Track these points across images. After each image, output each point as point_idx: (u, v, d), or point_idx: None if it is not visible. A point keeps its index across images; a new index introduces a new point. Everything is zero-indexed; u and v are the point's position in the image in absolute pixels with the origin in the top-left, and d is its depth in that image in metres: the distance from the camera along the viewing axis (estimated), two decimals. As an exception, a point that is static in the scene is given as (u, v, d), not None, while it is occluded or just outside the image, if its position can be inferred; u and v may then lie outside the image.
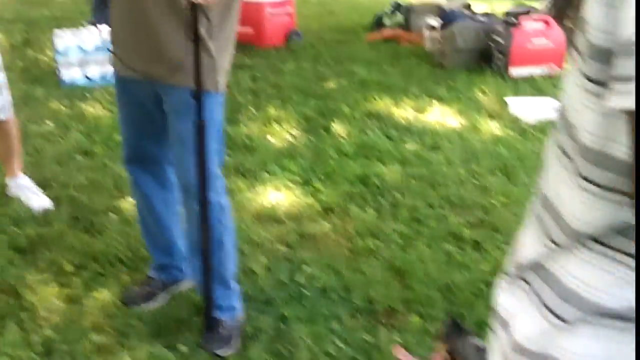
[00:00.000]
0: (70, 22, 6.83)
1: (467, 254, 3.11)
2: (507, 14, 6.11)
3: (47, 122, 4.61)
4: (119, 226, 3.25)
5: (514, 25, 5.73)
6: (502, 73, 5.75)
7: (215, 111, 2.35)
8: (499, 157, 4.11)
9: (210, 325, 2.54)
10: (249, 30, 6.80)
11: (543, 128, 4.58)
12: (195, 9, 2.13)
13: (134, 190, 2.67)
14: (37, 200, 3.49)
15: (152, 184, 2.64)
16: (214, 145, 2.36)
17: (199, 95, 2.23)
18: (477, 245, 3.20)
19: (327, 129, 4.64)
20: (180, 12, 2.17)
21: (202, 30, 2.18)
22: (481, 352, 1.40)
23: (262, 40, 6.94)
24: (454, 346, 1.41)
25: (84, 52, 5.51)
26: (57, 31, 5.54)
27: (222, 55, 2.30)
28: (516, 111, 4.76)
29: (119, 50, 2.36)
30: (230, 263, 2.61)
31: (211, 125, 2.31)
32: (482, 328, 2.62)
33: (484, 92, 5.37)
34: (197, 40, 2.17)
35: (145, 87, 2.33)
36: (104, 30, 5.37)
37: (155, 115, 2.41)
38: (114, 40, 2.39)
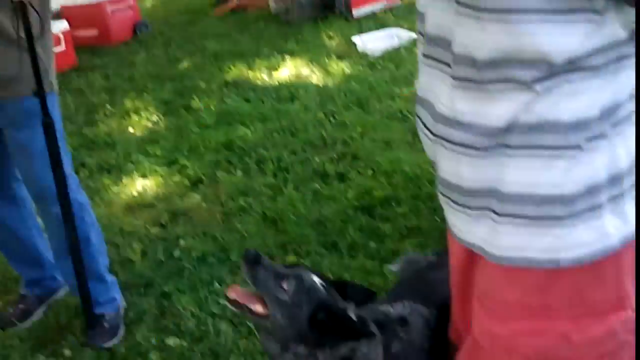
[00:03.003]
0: None
1: (333, 187, 3.22)
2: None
3: None
4: (-20, 254, 3.10)
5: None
6: (345, 16, 5.88)
7: (55, 112, 2.30)
8: (352, 92, 4.24)
9: (92, 322, 2.50)
10: (93, 31, 6.57)
11: (391, 57, 4.76)
12: (23, 7, 2.05)
13: None
14: None
15: (2, 203, 2.53)
16: (62, 144, 2.32)
17: (43, 97, 2.18)
18: (341, 177, 3.31)
19: (187, 108, 4.60)
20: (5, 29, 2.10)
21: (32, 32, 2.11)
22: (279, 277, 1.43)
23: (109, 38, 6.71)
24: (254, 275, 1.44)
25: None
26: None
27: (49, 57, 2.27)
28: (363, 47, 4.91)
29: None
30: (101, 257, 2.58)
31: (56, 124, 2.27)
32: (355, 250, 2.75)
33: (330, 37, 5.48)
34: (30, 40, 2.10)
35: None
36: None
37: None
38: None
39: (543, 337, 1.09)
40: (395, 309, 1.57)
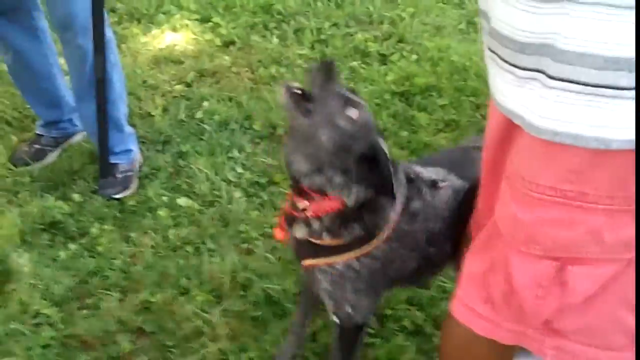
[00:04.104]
0: None
1: (372, 67, 2.99)
2: None
3: None
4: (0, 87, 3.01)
5: None
6: None
7: None
8: (409, -32, 3.87)
9: (106, 170, 2.43)
10: None
11: None
12: None
13: (2, 48, 2.40)
14: None
15: (22, 35, 2.37)
16: None
17: None
18: (382, 58, 3.07)
19: (228, -37, 4.28)
20: None
21: None
22: (347, 102, 1.28)
23: None
24: (326, 88, 1.27)
25: None
26: None
27: None
28: None
29: None
30: (121, 104, 2.46)
31: None
32: (385, 137, 2.57)
33: None
34: None
35: None
36: None
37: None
38: None
39: (571, 230, 0.97)
40: (428, 172, 1.50)
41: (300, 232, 1.38)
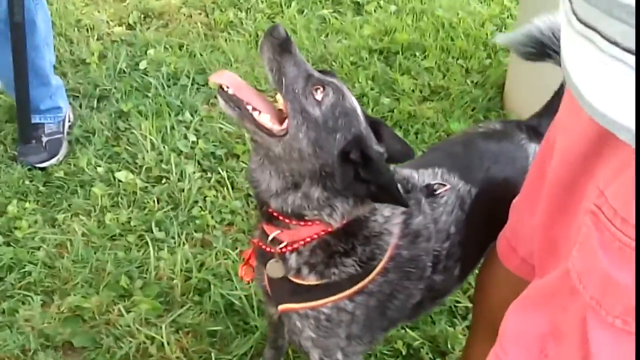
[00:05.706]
0: None
1: (345, 18, 2.61)
2: None
3: None
4: None
5: None
6: None
7: None
8: None
9: (27, 133, 2.02)
10: None
11: None
12: None
13: None
14: None
15: None
16: None
17: None
18: (357, 7, 2.69)
19: None
20: None
21: None
22: (312, 81, 0.96)
23: None
24: (281, 67, 0.94)
25: None
26: None
27: None
28: None
29: None
30: (46, 50, 2.03)
31: None
32: (363, 103, 2.23)
33: None
34: None
35: None
36: None
37: None
38: None
39: None
40: (421, 176, 1.17)
41: (275, 271, 1.04)
